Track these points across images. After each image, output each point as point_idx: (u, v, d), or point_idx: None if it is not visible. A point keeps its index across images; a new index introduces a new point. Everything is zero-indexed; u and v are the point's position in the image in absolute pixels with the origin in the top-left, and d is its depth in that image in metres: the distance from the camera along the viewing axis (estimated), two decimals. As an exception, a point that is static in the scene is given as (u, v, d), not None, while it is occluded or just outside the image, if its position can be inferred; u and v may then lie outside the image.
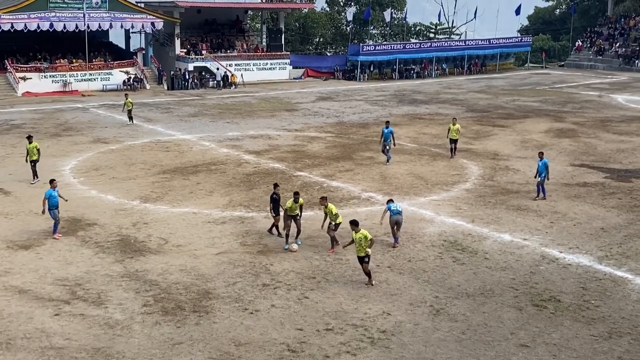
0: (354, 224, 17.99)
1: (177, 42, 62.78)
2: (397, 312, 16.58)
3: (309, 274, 18.64)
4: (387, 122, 32.46)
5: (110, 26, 58.61)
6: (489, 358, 14.52)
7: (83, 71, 56.67)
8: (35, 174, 27.47)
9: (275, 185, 21.88)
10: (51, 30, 55.28)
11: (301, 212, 21.09)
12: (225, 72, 61.33)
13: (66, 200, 21.94)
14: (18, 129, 39.16)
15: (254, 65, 65.18)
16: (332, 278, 18.45)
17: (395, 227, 20.87)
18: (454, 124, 32.33)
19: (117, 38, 67.41)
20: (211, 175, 28.86)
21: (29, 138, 28.19)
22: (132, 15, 58.63)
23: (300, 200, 20.85)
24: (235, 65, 63.36)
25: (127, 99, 41.19)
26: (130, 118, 40.78)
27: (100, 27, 57.59)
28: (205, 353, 14.43)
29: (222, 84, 60.24)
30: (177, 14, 62.07)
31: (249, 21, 76.20)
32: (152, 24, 59.37)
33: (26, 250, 20.02)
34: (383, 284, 18.16)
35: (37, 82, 54.47)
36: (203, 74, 61.43)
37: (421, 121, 43.52)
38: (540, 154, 26.29)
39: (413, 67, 71.10)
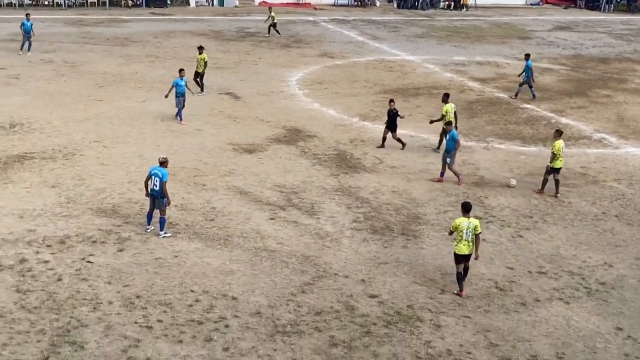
0: (463, 208, 13.79)
1: (412, -40, 61.22)
2: (620, 265, 15.19)
3: (525, 213, 17.61)
4: (527, 54, 29.08)
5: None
6: None
7: (316, -15, 57.46)
8: (200, 86, 26.92)
9: (391, 101, 21.76)
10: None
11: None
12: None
13: (192, 94, 24.04)
14: (252, 37, 40.85)
15: (489, -13, 62.07)
16: (550, 220, 17.28)
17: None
18: None
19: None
20: (432, 99, 28.12)
21: (200, 49, 27.42)
22: None
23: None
24: (470, -14, 60.71)
25: (270, 12, 41.25)
26: (269, 30, 40.95)
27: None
28: (409, 277, 14.22)
29: (452, 6, 58.26)
30: None
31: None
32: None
33: (250, 154, 20.91)
34: (608, 233, 16.70)
35: (273, -7, 56.22)
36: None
37: (671, 60, 39.03)
38: None
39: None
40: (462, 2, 58.63)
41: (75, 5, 49.14)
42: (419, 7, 57.80)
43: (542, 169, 20.47)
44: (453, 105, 21.62)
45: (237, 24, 45.21)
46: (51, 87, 27.09)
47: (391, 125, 21.59)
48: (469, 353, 11.88)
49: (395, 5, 57.94)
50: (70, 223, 15.63)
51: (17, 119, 22.80)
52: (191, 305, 12.68)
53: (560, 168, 18.66)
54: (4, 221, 15.55)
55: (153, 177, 15.14)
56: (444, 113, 21.26)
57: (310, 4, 55.73)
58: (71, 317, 12.09)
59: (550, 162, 18.51)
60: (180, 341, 11.64)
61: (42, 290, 12.88)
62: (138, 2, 51.30)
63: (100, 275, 13.52)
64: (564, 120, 25.94)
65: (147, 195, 15.43)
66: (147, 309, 12.49)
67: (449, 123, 20.35)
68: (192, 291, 13.15)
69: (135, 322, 12.07)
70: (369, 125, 24.29)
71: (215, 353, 11.41)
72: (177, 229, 15.62)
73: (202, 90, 26.98)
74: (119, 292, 12.99)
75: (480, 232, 13.58)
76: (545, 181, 18.77)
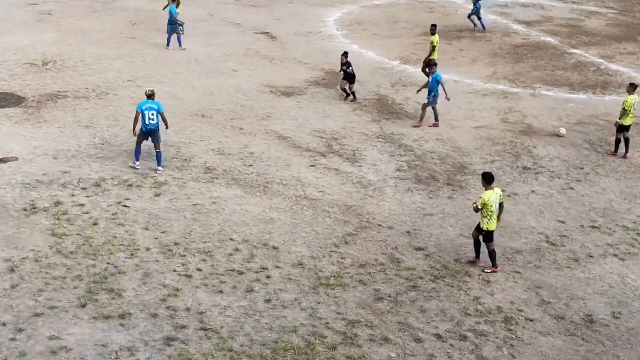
0: (487, 179, 12.23)
1: None
2: (678, 222, 14.46)
3: (576, 164, 16.82)
4: None
5: None
6: None
7: None
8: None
9: (344, 55, 20.02)
10: None
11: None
12: None
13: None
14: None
15: None
16: (603, 172, 16.50)
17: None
18: None
19: None
20: (476, 42, 27.06)
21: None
22: None
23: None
24: None
25: None
26: None
27: None
28: (456, 229, 13.64)
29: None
30: None
31: None
32: None
33: (288, 97, 20.22)
34: (665, 187, 15.92)
35: None
36: None
37: None
38: None
39: None
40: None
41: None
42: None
43: (592, 117, 19.69)
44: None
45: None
46: (84, 24, 26.44)
47: (348, 77, 20.00)
48: (521, 311, 11.35)
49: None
50: (106, 165, 15.20)
51: (50, 56, 22.27)
52: (231, 255, 12.25)
53: (630, 126, 17.19)
54: (39, 162, 15.17)
55: (147, 111, 14.72)
56: (435, 44, 20.80)
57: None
58: (108, 264, 11.74)
59: (620, 119, 17.09)
60: (221, 291, 11.24)
61: (77, 234, 12.53)
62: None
63: (137, 220, 13.12)
64: (613, 66, 24.80)
65: (135, 133, 14.91)
66: (185, 257, 12.09)
67: (434, 64, 18.86)
68: (231, 240, 12.71)
69: (174, 271, 11.69)
70: (411, 69, 23.38)
71: (256, 305, 11.01)
72: (214, 174, 15.12)
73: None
74: (156, 238, 12.59)
75: (502, 201, 12.29)
76: (618, 141, 17.33)
